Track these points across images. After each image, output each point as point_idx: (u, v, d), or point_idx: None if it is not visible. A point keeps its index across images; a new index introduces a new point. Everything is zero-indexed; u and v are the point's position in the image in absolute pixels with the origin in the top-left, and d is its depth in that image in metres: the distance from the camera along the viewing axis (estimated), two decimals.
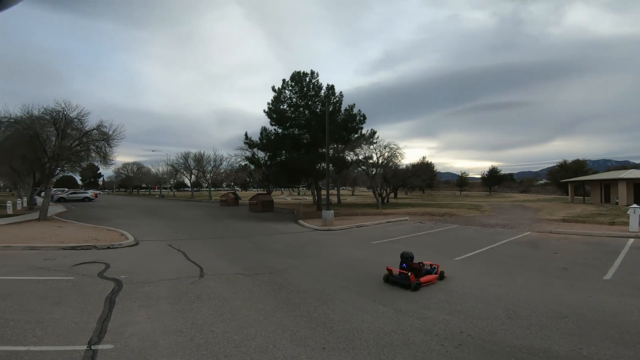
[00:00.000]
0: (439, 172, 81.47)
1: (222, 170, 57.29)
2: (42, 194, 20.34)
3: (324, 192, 22.28)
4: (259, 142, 27.44)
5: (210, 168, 54.67)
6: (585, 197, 36.10)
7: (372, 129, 30.07)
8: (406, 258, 6.60)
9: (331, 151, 25.88)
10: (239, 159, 43.19)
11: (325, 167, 22.61)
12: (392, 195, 45.10)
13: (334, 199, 37.91)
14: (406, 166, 40.89)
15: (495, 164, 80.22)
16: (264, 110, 26.97)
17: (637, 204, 13.14)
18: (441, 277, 6.84)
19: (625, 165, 54.61)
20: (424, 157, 69.74)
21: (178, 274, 7.21)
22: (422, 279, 6.37)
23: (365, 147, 30.04)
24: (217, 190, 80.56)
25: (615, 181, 28.89)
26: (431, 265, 6.96)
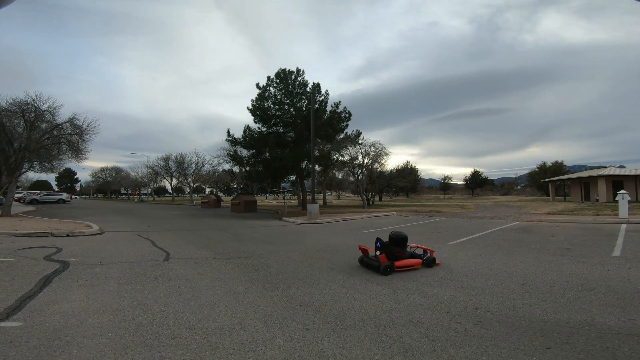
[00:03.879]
0: (422, 178, 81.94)
1: (204, 173, 55.56)
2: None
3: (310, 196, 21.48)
4: (242, 139, 26.45)
5: (192, 171, 52.94)
6: (566, 197, 36.63)
7: (357, 130, 29.49)
8: (390, 239, 5.71)
9: (316, 152, 25.16)
10: (221, 161, 41.94)
11: (310, 166, 21.89)
12: (377, 198, 44.69)
13: (320, 202, 37.05)
14: (391, 170, 40.62)
15: (476, 169, 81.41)
16: (248, 108, 26.05)
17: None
18: (429, 263, 5.67)
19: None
20: (407, 162, 69.93)
21: (140, 258, 6.24)
22: (399, 263, 5.36)
23: (350, 147, 29.49)
24: (200, 195, 78.17)
25: (595, 179, 29.26)
26: (425, 249, 5.99)
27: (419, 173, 66.72)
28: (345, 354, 2.62)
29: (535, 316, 3.42)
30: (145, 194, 75.11)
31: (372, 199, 37.80)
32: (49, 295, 3.84)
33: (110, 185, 76.39)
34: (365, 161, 31.88)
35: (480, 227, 11.73)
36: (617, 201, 12.82)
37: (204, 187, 67.45)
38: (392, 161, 78.62)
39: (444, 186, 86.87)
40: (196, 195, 66.33)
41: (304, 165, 26.55)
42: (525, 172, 68.57)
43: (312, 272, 5.25)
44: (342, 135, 27.18)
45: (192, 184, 54.00)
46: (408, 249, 5.91)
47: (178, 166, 52.93)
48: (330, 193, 66.15)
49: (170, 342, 2.75)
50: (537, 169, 58.82)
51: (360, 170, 32.11)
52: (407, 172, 47.03)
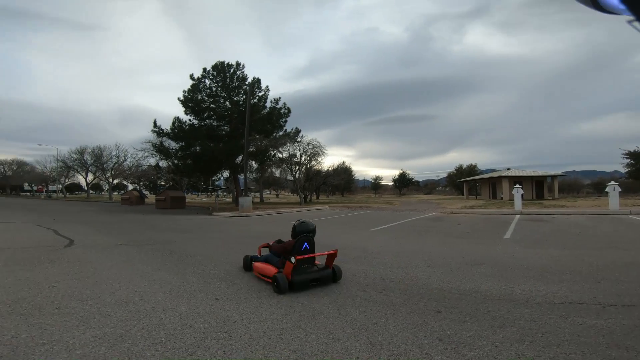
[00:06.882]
0: (357, 179, 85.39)
1: (126, 168, 50.63)
2: None
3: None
4: (170, 131, 24.72)
5: (112, 165, 47.85)
6: (477, 196, 41.30)
7: (296, 127, 29.42)
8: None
9: (253, 147, 24.65)
10: (146, 154, 38.71)
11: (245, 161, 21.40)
12: (314, 196, 45.46)
13: (256, 200, 36.35)
14: (327, 168, 41.76)
15: (403, 171, 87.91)
16: (179, 99, 24.38)
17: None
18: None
19: None
20: (343, 162, 72.42)
21: (36, 244, 5.59)
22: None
23: (289, 144, 29.48)
24: (121, 192, 70.95)
25: (500, 179, 33.51)
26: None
27: (353, 173, 69.29)
28: (253, 318, 2.65)
29: (432, 285, 3.79)
30: (55, 191, 65.99)
31: (309, 197, 38.33)
32: None
33: (10, 181, 65.59)
34: (303, 159, 32.26)
35: (400, 217, 12.72)
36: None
37: (125, 183, 61.42)
38: (329, 161, 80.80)
39: (375, 186, 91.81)
40: (117, 193, 60.26)
41: (238, 160, 25.83)
42: (446, 174, 75.51)
43: (232, 254, 5.18)
44: (281, 132, 26.97)
45: (111, 180, 48.93)
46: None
47: (95, 160, 47.54)
48: (269, 192, 65.37)
49: (53, 311, 2.52)
50: (455, 171, 65.29)
51: (297, 168, 32.37)
52: (342, 171, 48.75)
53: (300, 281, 3.41)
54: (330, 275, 3.67)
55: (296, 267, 3.42)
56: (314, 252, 3.72)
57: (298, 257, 3.42)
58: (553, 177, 35.22)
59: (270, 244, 4.08)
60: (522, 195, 15.01)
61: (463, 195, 46.51)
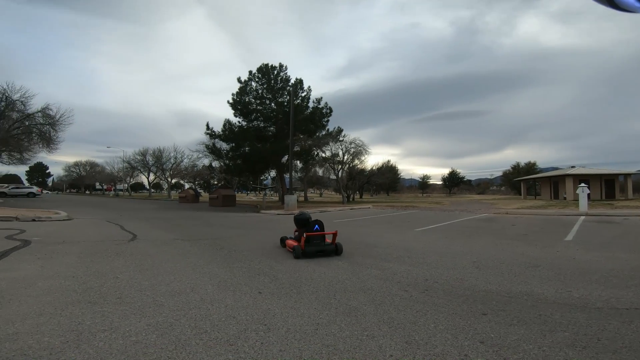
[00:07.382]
0: (403, 178, 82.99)
1: (182, 168, 54.46)
2: None
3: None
4: (221, 133, 26.16)
5: (170, 165, 51.77)
6: (537, 196, 38.15)
7: (338, 127, 29.52)
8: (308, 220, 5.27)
9: (297, 147, 25.19)
10: (200, 155, 41.26)
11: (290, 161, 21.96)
12: (357, 195, 45.18)
13: (301, 199, 37.10)
14: (371, 167, 41.23)
15: (453, 169, 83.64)
16: (228, 101, 25.74)
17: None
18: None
19: None
20: (388, 160, 70.84)
21: (105, 238, 6.27)
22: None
23: (332, 144, 29.68)
24: (179, 191, 76.39)
25: (563, 178, 30.61)
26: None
27: (399, 172, 67.60)
28: (292, 312, 2.74)
29: (479, 287, 3.60)
30: (121, 190, 72.92)
31: (352, 196, 38.19)
32: (2, 265, 3.82)
33: (84, 180, 73.68)
34: (346, 158, 32.25)
35: (449, 217, 12.20)
36: None
37: (182, 182, 65.99)
38: (374, 160, 79.33)
39: (423, 185, 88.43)
40: (175, 191, 64.97)
41: (284, 160, 26.55)
42: (501, 173, 70.70)
43: (277, 250, 5.40)
44: (323, 132, 27.26)
45: (170, 179, 52.87)
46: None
47: (156, 160, 51.70)
48: (312, 191, 66.31)
49: (115, 300, 2.82)
50: (511, 170, 60.85)
51: (340, 167, 32.45)
52: (387, 170, 47.80)
53: (309, 251, 4.90)
54: (333, 249, 5.08)
55: (309, 242, 5.00)
56: (324, 231, 5.25)
57: (308, 234, 5.02)
58: (626, 175, 31.49)
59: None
60: (589, 195, 13.60)
61: (520, 195, 43.32)
